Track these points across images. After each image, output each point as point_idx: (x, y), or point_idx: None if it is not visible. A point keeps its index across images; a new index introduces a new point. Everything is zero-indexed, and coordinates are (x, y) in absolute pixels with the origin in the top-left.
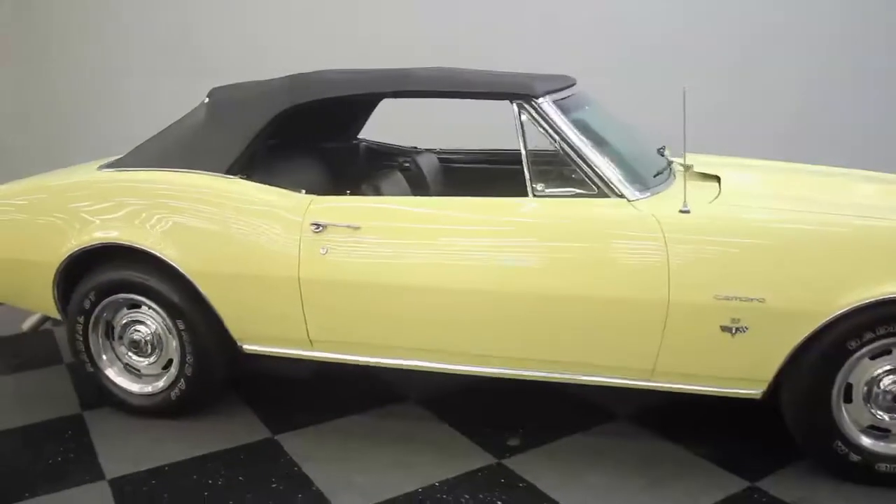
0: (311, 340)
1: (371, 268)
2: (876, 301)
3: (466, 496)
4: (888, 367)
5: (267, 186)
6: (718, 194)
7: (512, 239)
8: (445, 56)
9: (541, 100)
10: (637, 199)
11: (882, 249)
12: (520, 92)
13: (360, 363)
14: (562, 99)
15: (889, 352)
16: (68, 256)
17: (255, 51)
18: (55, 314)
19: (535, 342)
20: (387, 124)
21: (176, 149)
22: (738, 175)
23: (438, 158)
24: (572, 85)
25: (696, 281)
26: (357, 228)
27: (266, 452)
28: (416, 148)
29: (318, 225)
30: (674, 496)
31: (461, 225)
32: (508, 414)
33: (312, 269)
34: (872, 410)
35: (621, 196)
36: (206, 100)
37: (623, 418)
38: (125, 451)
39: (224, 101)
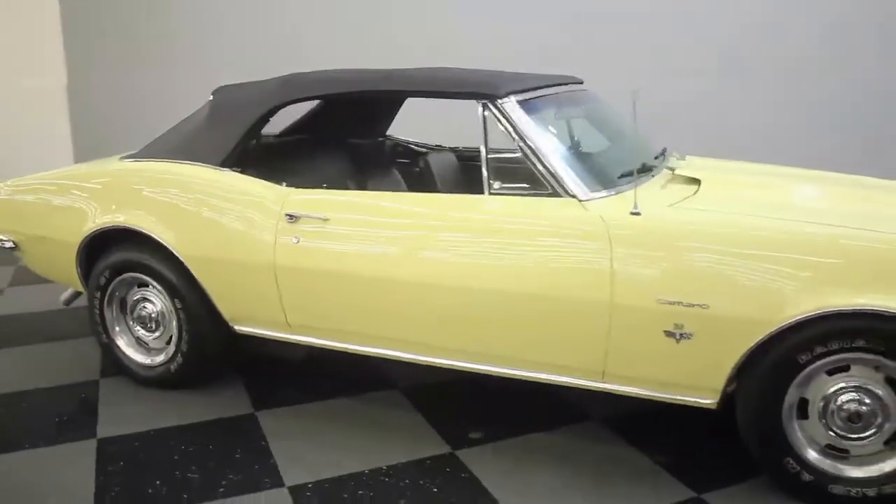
0: (289, 324)
1: (336, 257)
2: (823, 314)
3: (407, 481)
4: (845, 385)
5: (252, 178)
6: (687, 198)
7: (465, 235)
8: (470, 55)
9: (503, 100)
10: (589, 199)
11: (837, 259)
12: (483, 92)
13: (332, 348)
14: (530, 99)
15: (847, 368)
16: (86, 237)
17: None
18: (83, 289)
19: (489, 337)
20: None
21: (182, 142)
22: (721, 178)
23: (458, 157)
24: (555, 85)
25: (638, 284)
26: (326, 220)
27: (242, 426)
28: (439, 146)
29: (291, 216)
30: (613, 501)
31: (420, 220)
32: (484, 408)
33: (286, 257)
34: (829, 428)
35: (573, 196)
36: (211, 97)
37: (596, 421)
38: (122, 415)
39: (224, 99)
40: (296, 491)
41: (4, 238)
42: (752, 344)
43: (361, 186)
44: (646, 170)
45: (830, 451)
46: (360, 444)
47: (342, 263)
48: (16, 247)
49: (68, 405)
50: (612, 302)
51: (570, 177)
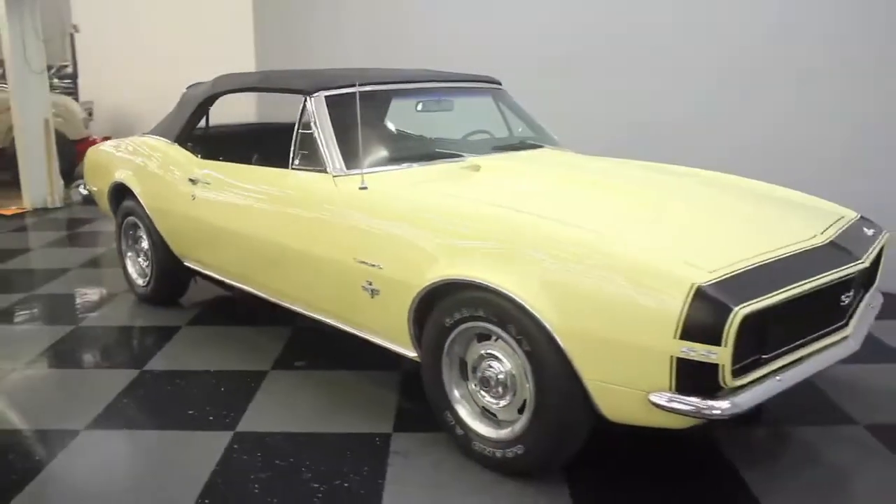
0: (204, 262)
1: (211, 211)
2: (442, 282)
3: (213, 382)
4: (486, 352)
5: (182, 149)
6: (450, 181)
7: (268, 199)
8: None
9: (314, 95)
10: (339, 176)
11: (464, 232)
12: (302, 88)
13: (226, 283)
14: (339, 95)
15: (491, 336)
16: (109, 187)
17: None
18: None
19: (281, 279)
20: None
21: (163, 123)
22: (506, 165)
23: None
24: (465, 82)
25: (346, 244)
26: (208, 184)
27: (163, 333)
28: None
29: (192, 179)
30: (329, 421)
31: (251, 185)
32: (339, 347)
33: (189, 209)
34: (478, 390)
35: (330, 172)
36: (185, 91)
37: (397, 371)
38: (104, 314)
39: (188, 92)
40: (142, 374)
41: (87, 188)
42: (409, 303)
43: (261, 162)
44: (432, 156)
45: (486, 413)
46: (223, 356)
47: (213, 215)
48: (90, 194)
49: (82, 309)
50: (330, 257)
51: (333, 157)
